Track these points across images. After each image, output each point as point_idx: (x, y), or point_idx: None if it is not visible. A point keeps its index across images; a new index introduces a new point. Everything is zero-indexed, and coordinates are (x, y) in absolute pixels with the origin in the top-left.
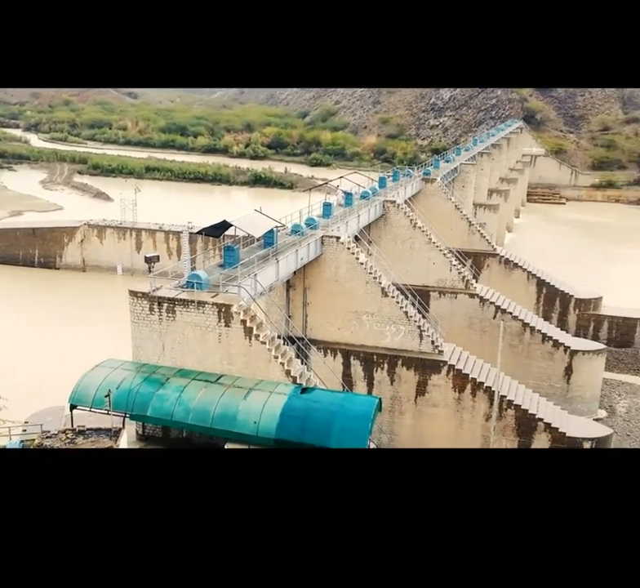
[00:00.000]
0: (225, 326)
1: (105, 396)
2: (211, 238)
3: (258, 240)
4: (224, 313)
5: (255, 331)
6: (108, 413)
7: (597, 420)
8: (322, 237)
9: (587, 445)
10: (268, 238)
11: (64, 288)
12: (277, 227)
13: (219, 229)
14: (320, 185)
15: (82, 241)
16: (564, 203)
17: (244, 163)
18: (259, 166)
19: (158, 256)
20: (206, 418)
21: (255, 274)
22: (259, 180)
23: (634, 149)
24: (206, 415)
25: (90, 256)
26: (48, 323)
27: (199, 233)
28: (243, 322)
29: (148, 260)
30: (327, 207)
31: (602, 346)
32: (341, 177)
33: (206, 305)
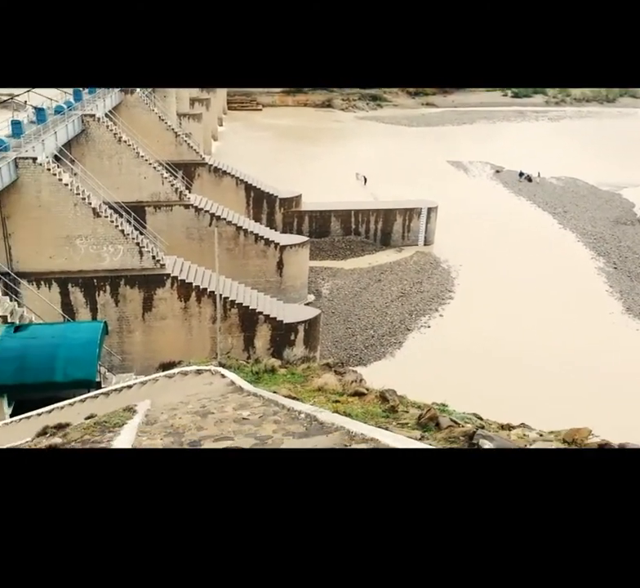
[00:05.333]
0: None
1: None
2: None
3: None
4: None
5: None
6: None
7: (307, 304)
8: (16, 159)
9: (301, 327)
10: None
11: None
12: None
13: None
14: (5, 101)
15: None
16: (261, 109)
17: None
18: None
19: None
20: None
21: None
22: None
23: None
24: None
25: None
26: None
27: None
28: None
29: None
30: (17, 125)
31: (305, 239)
32: (28, 91)
33: None
